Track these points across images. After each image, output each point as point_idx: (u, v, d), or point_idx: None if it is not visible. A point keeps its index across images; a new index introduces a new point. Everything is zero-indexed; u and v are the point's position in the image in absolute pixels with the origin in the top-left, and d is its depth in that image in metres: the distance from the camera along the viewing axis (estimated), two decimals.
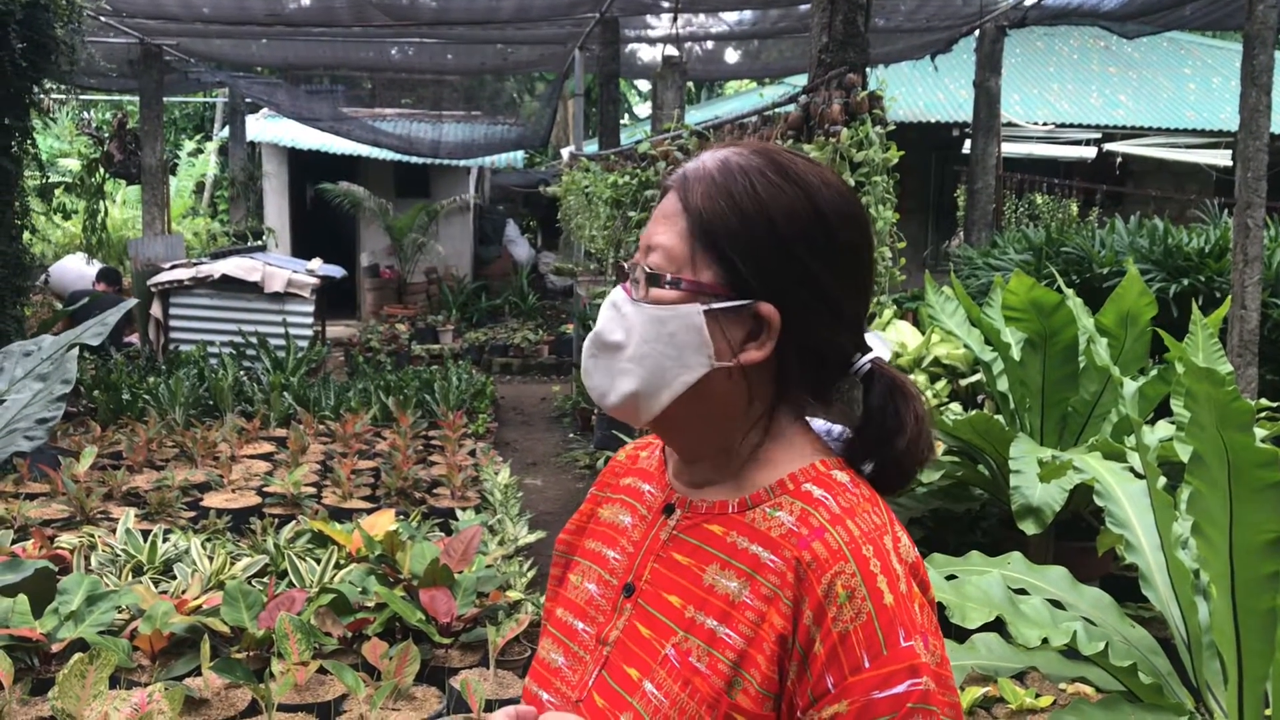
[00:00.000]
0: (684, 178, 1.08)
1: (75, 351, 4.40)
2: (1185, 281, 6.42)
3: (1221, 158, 13.58)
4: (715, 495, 1.09)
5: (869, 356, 1.08)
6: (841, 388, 1.11)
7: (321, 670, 3.69)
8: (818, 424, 1.13)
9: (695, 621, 1.03)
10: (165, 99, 13.50)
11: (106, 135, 12.52)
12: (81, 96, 16.40)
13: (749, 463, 1.08)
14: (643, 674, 1.04)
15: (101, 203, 11.08)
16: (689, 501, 1.11)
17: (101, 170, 11.76)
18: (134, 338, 10.47)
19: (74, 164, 15.66)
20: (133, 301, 4.50)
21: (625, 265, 1.11)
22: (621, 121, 13.42)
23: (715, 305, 1.03)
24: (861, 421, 1.09)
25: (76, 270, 11.78)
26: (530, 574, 4.72)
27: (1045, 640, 2.75)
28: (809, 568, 0.98)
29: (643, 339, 1.05)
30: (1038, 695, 3.81)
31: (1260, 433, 4.13)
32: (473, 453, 7.23)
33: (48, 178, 11.65)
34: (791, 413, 1.09)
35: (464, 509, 5.80)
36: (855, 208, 1.07)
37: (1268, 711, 2.88)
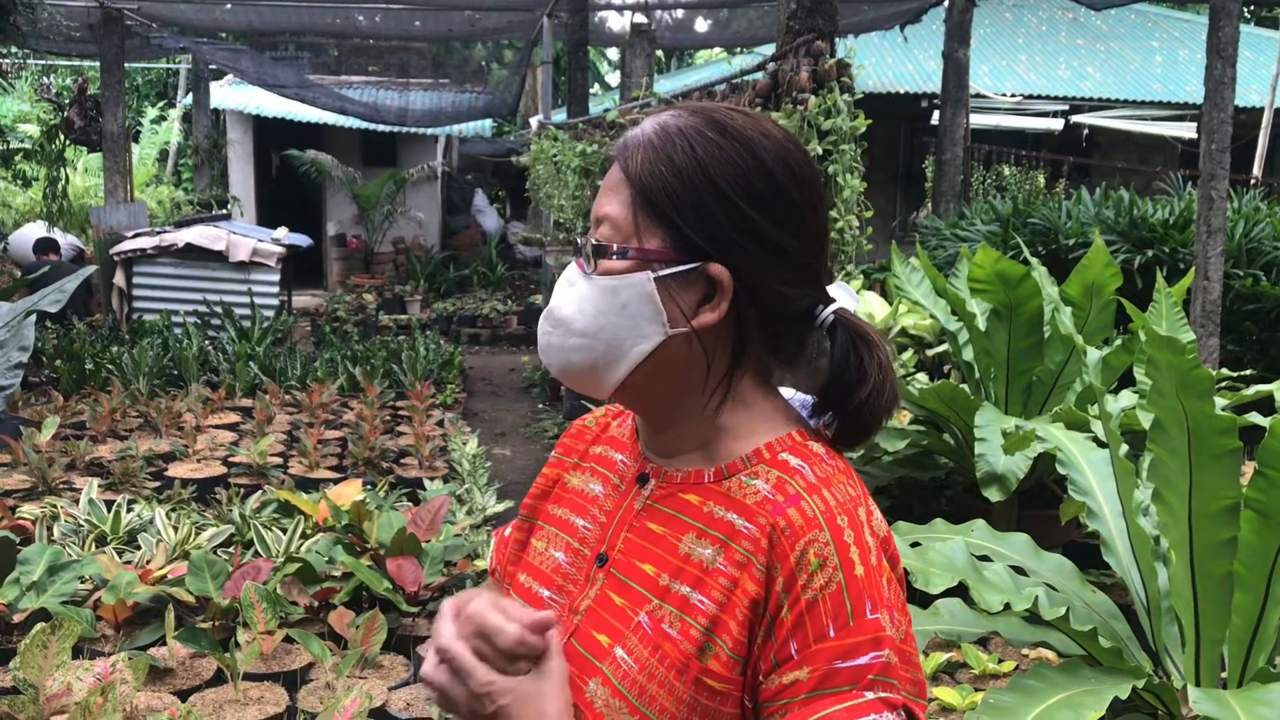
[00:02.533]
0: (624, 146, 1.08)
1: (33, 319, 4.34)
2: (1150, 252, 6.48)
3: (1187, 130, 13.69)
4: (690, 464, 1.09)
5: (832, 308, 1.07)
6: (808, 346, 1.09)
7: (288, 639, 3.68)
8: (790, 395, 1.13)
9: (670, 589, 1.03)
10: (127, 65, 13.29)
11: (67, 101, 12.31)
12: (41, 61, 16.12)
13: (722, 431, 1.07)
14: (614, 640, 1.04)
15: (62, 170, 10.92)
16: (663, 471, 1.11)
17: (62, 137, 11.58)
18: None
19: (34, 129, 15.39)
20: (91, 268, 4.44)
21: (578, 240, 1.11)
22: (591, 90, 13.36)
23: (665, 271, 1.03)
24: (826, 375, 1.08)
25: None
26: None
27: (1007, 605, 2.78)
28: (783, 534, 0.98)
29: (597, 311, 1.05)
30: (1000, 660, 3.86)
31: (1221, 402, 4.19)
32: (441, 423, 7.20)
33: (8, 143, 11.47)
34: (756, 375, 1.08)
35: (432, 479, 5.78)
36: (796, 156, 1.06)
37: (1223, 674, 2.93)
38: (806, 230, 1.05)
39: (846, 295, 1.09)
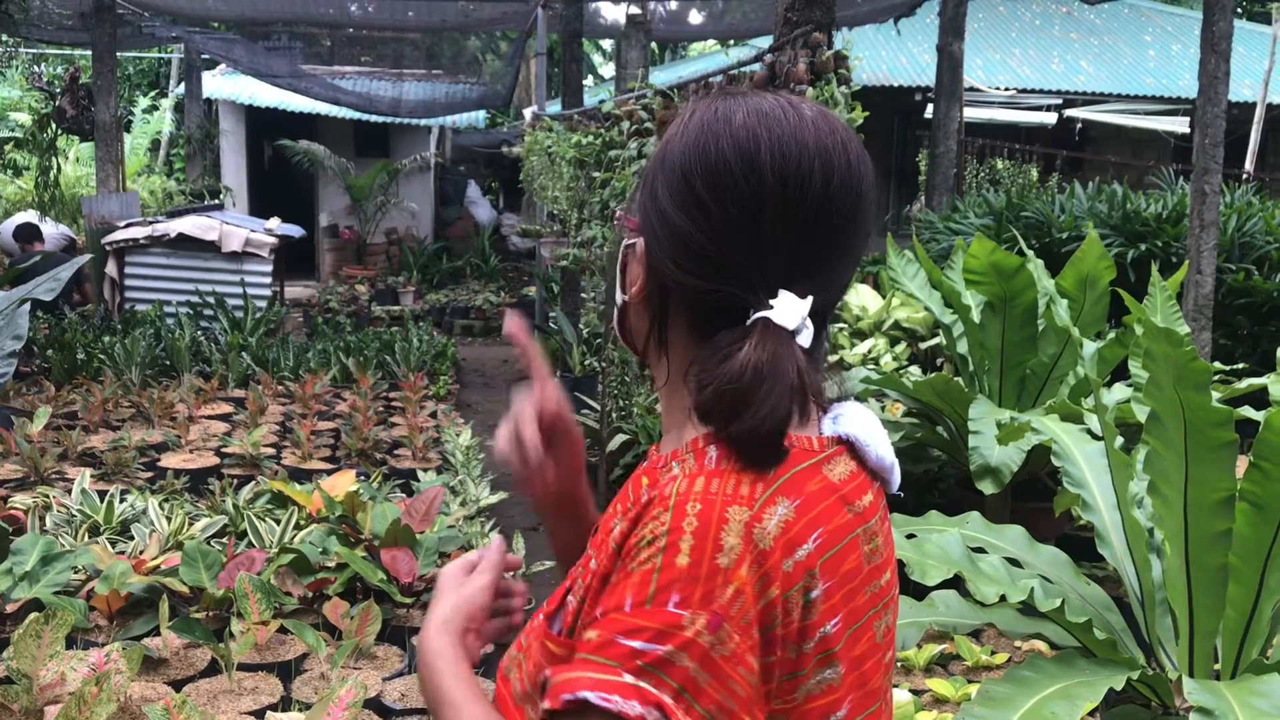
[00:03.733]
0: None
1: (26, 307, 4.33)
2: (1143, 246, 6.49)
3: (1179, 124, 13.72)
4: (665, 446, 1.10)
5: (759, 314, 1.01)
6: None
7: (282, 630, 3.67)
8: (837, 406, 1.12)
9: (589, 566, 1.03)
10: (119, 54, 13.22)
11: (58, 90, 12.24)
12: (32, 49, 16.03)
13: (688, 422, 1.06)
14: (547, 606, 1.07)
15: (54, 159, 10.85)
16: (651, 453, 1.13)
17: (53, 126, 11.52)
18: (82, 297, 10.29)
19: (25, 118, 15.32)
20: (85, 258, 4.42)
21: None
22: (585, 82, 13.31)
23: (628, 241, 1.10)
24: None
25: None
26: (492, 534, 4.72)
27: (1003, 597, 2.79)
28: (642, 511, 0.97)
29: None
30: (993, 652, 3.87)
31: (1214, 395, 4.20)
32: (434, 414, 7.19)
33: None
34: (689, 361, 1.06)
35: (425, 470, 5.78)
36: (728, 156, 1.01)
37: (1216, 666, 2.94)
38: (718, 228, 1.01)
39: (789, 309, 1.00)
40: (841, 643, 0.98)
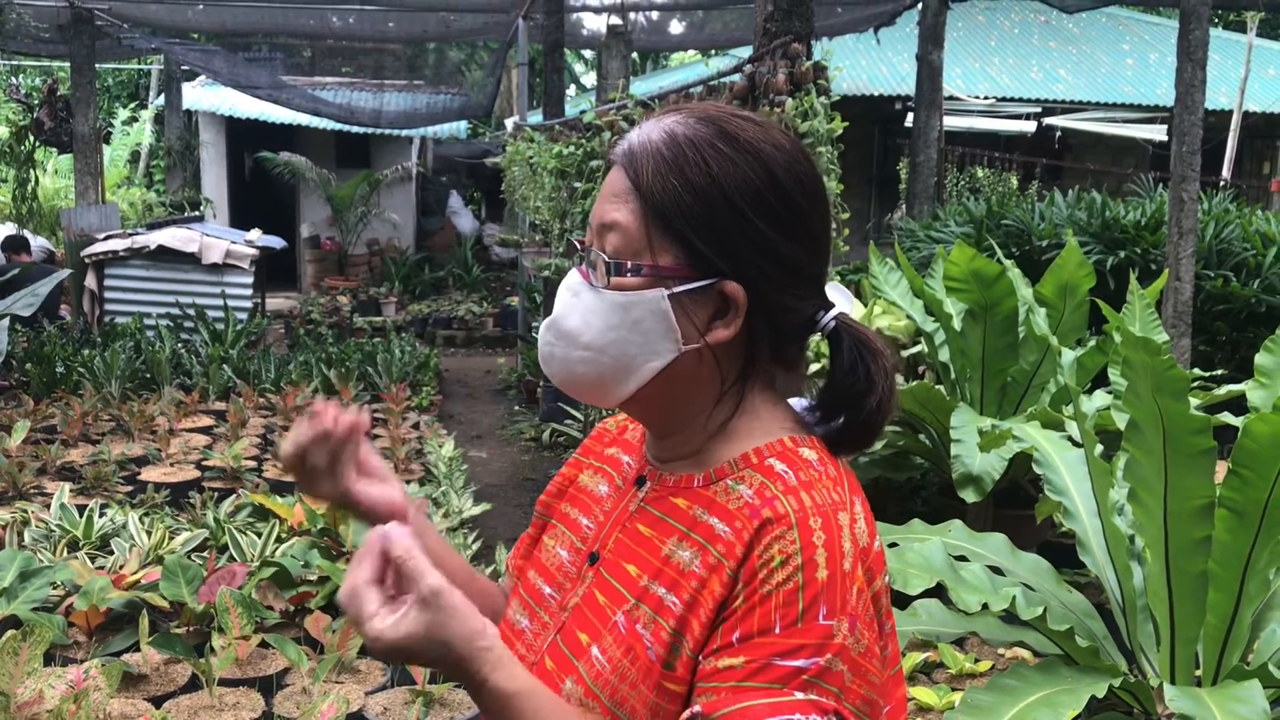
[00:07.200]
0: (630, 153, 1.05)
1: (5, 322, 4.30)
2: (1122, 254, 6.52)
3: (1157, 132, 13.81)
4: (684, 469, 1.09)
5: (833, 313, 1.07)
6: (806, 352, 1.10)
7: (263, 644, 3.65)
8: (797, 401, 1.12)
9: (648, 591, 1.02)
10: (97, 65, 13.16)
11: (36, 102, 12.18)
12: (9, 62, 15.95)
13: (717, 437, 1.07)
14: (592, 639, 1.04)
15: (32, 171, 10.80)
16: (659, 474, 1.11)
17: (31, 138, 11.47)
18: (64, 311, 10.24)
19: (3, 130, 15.23)
20: (66, 272, 4.40)
21: (578, 245, 1.09)
22: (567, 92, 13.34)
23: (679, 289, 1.01)
24: (829, 381, 1.07)
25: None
26: (475, 546, 4.70)
27: (985, 605, 2.79)
28: (756, 535, 0.97)
29: (606, 326, 1.03)
30: (976, 660, 3.88)
31: (1194, 401, 4.22)
32: (416, 425, 7.18)
33: None
34: (762, 384, 1.08)
35: (408, 482, 5.76)
36: (806, 168, 1.05)
37: (1197, 672, 2.95)
38: (816, 241, 1.05)
39: (843, 298, 1.09)
40: (890, 618, 1.04)
